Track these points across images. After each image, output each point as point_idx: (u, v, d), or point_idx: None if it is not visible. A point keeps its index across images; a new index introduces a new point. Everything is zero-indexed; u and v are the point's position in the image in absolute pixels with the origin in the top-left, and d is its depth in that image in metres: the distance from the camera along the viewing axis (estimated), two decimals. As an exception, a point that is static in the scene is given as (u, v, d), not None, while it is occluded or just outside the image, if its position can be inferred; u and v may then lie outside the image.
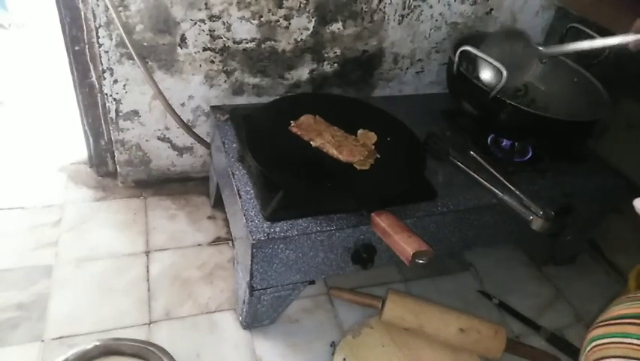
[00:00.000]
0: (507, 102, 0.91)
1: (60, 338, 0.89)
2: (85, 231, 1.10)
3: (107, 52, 1.00)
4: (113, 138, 1.14)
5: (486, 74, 1.09)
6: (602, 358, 0.53)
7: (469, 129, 1.07)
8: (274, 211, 0.80)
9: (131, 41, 0.97)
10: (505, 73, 0.87)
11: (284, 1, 1.02)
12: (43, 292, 0.96)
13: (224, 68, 1.08)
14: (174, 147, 1.19)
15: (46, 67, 1.58)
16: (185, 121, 1.13)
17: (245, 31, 1.04)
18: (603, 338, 0.54)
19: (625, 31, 1.10)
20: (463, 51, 0.95)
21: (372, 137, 0.95)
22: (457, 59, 0.97)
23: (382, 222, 0.76)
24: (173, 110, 1.09)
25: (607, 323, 0.56)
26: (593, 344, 0.55)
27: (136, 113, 1.10)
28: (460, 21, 1.22)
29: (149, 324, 0.94)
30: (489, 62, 0.90)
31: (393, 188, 0.86)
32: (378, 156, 0.91)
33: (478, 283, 1.15)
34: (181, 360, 0.87)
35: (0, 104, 1.45)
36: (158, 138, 1.16)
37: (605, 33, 1.05)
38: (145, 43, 1.00)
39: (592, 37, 1.04)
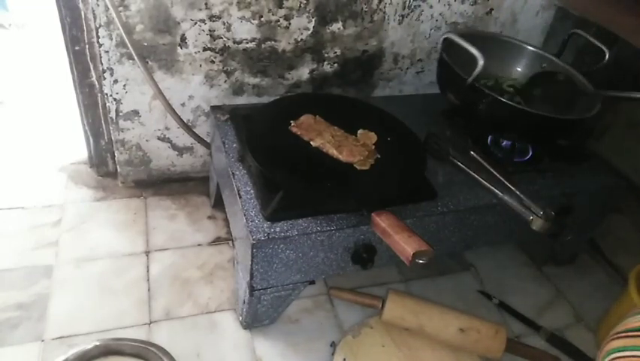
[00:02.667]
0: (485, 92, 0.92)
1: (60, 338, 0.89)
2: (85, 231, 1.10)
3: (107, 52, 1.00)
4: (113, 138, 1.14)
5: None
6: None
7: (468, 129, 1.07)
8: (274, 211, 0.80)
9: (131, 41, 0.97)
10: (481, 61, 0.88)
11: (284, 1, 1.02)
12: (43, 292, 0.96)
13: (225, 68, 1.08)
14: (174, 147, 1.19)
15: (46, 67, 1.58)
16: (186, 121, 1.13)
17: (245, 31, 1.04)
18: (622, 351, 0.52)
19: (625, 31, 1.10)
20: (447, 39, 0.96)
21: (373, 137, 0.95)
22: (439, 45, 0.98)
23: (382, 222, 0.76)
24: (174, 110, 1.09)
25: (625, 334, 0.54)
26: (611, 356, 0.53)
27: (136, 113, 1.10)
28: (461, 21, 1.22)
29: (149, 324, 0.94)
30: (468, 50, 0.90)
31: (393, 188, 0.86)
32: (379, 156, 0.91)
33: (478, 283, 1.15)
34: (181, 360, 0.87)
35: (0, 104, 1.45)
36: (158, 138, 1.16)
37: (605, 33, 1.05)
38: (145, 43, 1.00)
39: (592, 44, 1.04)
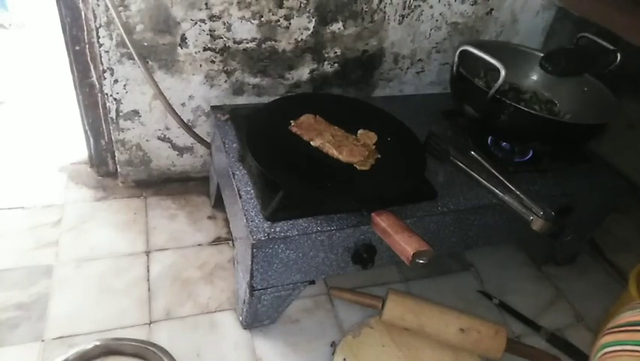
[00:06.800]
0: (507, 103, 0.91)
1: (60, 337, 0.89)
2: (85, 231, 1.10)
3: (107, 52, 1.00)
4: (113, 138, 1.14)
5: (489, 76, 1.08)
6: None
7: (469, 129, 1.07)
8: (274, 211, 0.80)
9: (132, 41, 0.97)
10: (503, 71, 0.87)
11: (284, 1, 1.02)
12: (43, 292, 0.96)
13: (225, 68, 1.08)
14: (174, 146, 1.19)
15: (46, 67, 1.58)
16: (186, 121, 1.13)
17: (245, 31, 1.04)
18: (614, 346, 0.53)
19: (625, 31, 1.10)
20: (464, 51, 0.95)
21: (373, 137, 0.95)
22: (456, 59, 0.97)
23: (382, 222, 0.76)
24: (174, 110, 1.09)
25: (618, 329, 0.54)
26: (604, 351, 0.54)
27: (136, 113, 1.10)
28: (461, 21, 1.22)
29: (150, 324, 0.94)
30: (488, 61, 0.90)
31: (393, 188, 0.86)
32: (379, 156, 0.91)
33: (478, 283, 1.15)
34: (181, 360, 0.87)
35: (0, 104, 1.45)
36: (159, 138, 1.16)
37: (606, 34, 1.05)
38: (145, 43, 1.00)
39: (602, 47, 1.03)
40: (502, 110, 0.92)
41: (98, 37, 0.98)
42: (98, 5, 0.93)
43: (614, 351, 0.52)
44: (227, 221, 1.17)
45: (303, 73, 1.15)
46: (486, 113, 0.97)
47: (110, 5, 0.92)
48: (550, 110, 1.08)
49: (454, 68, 0.98)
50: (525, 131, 0.96)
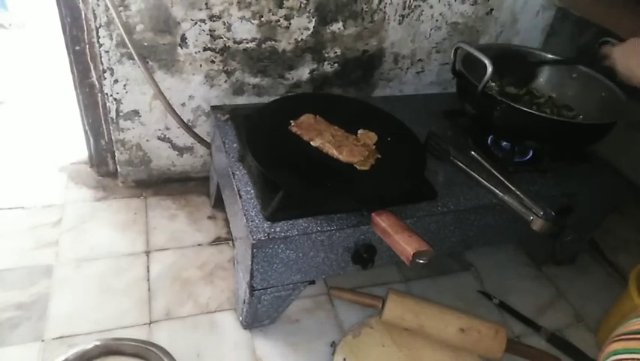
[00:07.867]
0: (498, 99, 0.91)
1: (60, 337, 0.89)
2: (85, 231, 1.10)
3: (107, 52, 1.00)
4: (113, 138, 1.14)
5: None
6: None
7: (469, 129, 1.07)
8: (274, 211, 0.80)
9: (132, 41, 0.97)
10: (490, 68, 0.87)
11: (284, 1, 1.02)
12: (43, 292, 0.96)
13: (225, 68, 1.08)
14: (174, 146, 1.19)
15: (46, 67, 1.58)
16: (186, 121, 1.13)
17: (245, 31, 1.04)
18: (623, 353, 0.52)
19: (625, 31, 1.10)
20: (461, 50, 0.96)
21: (373, 137, 0.95)
22: (452, 57, 0.97)
23: (383, 222, 0.76)
24: (174, 110, 1.09)
25: (627, 337, 0.54)
26: (612, 358, 0.53)
27: (136, 113, 1.10)
28: (461, 21, 1.22)
29: (150, 324, 0.94)
30: (478, 58, 0.90)
31: (393, 188, 0.86)
32: (379, 156, 0.91)
33: (478, 283, 1.15)
34: (181, 360, 0.87)
35: (0, 104, 1.45)
36: (159, 138, 1.16)
37: (606, 34, 1.05)
38: (145, 43, 1.00)
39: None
40: (494, 107, 0.92)
41: (98, 37, 0.98)
42: (98, 5, 0.93)
43: (624, 359, 0.52)
44: (227, 221, 1.17)
45: (303, 73, 1.15)
46: (480, 110, 0.97)
47: (110, 5, 0.92)
48: (560, 113, 1.07)
49: (451, 65, 0.99)
50: (519, 128, 0.96)
